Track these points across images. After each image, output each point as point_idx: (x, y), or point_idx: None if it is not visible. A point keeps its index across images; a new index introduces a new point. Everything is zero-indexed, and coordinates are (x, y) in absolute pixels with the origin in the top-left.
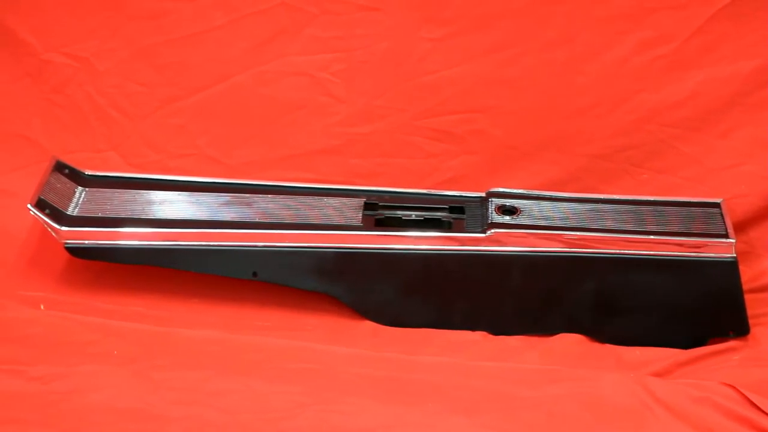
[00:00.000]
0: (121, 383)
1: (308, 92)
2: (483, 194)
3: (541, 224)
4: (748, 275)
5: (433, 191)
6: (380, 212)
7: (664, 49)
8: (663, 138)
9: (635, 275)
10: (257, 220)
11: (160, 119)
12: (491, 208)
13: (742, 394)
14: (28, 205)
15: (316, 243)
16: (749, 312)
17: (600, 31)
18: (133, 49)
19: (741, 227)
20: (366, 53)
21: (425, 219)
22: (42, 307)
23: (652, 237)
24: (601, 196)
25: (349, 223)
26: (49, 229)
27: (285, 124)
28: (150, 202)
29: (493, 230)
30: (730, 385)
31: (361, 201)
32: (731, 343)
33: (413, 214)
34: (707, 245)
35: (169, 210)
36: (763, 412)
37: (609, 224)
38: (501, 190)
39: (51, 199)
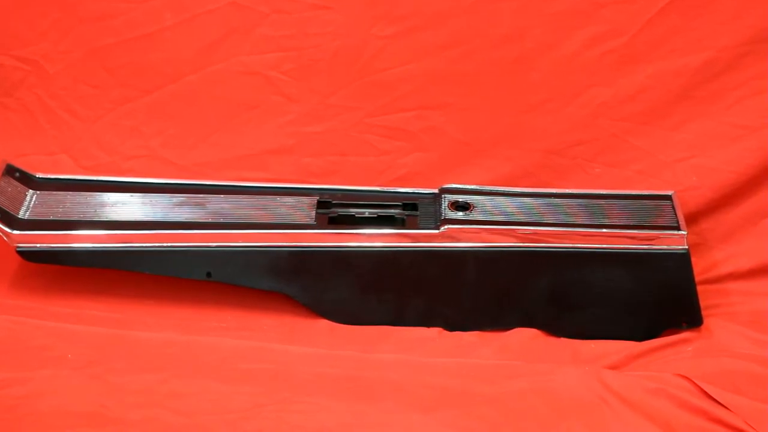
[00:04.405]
0: (78, 387)
1: (260, 92)
2: (436, 191)
3: (494, 219)
4: (700, 267)
5: (386, 188)
6: (334, 210)
7: (614, 44)
8: (615, 132)
9: (589, 269)
10: (211, 220)
11: (112, 121)
12: (444, 204)
13: (697, 385)
14: None
15: (270, 242)
16: (702, 303)
17: (551, 26)
18: (83, 51)
19: (693, 219)
20: (318, 52)
21: (379, 216)
22: None
23: (605, 230)
24: (555, 191)
25: (302, 221)
26: (1, 234)
27: (238, 124)
28: (103, 204)
29: (446, 226)
30: (684, 377)
31: (315, 199)
32: (685, 335)
33: (366, 212)
34: (659, 238)
35: (123, 212)
36: (718, 402)
37: (562, 219)
38: (454, 186)
39: (2, 202)
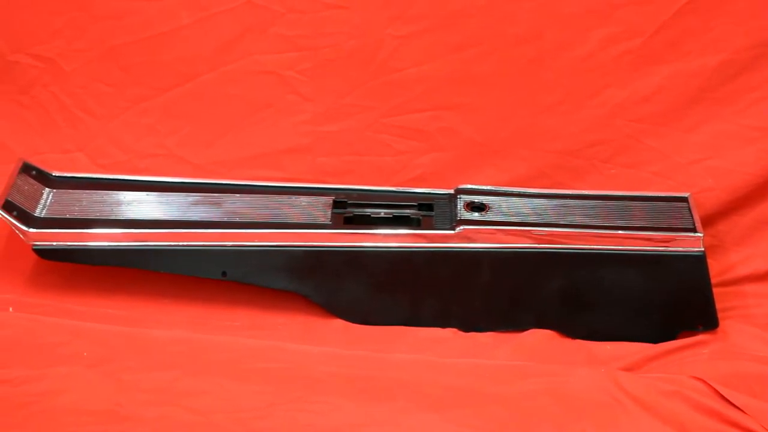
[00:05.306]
0: (92, 385)
1: (276, 91)
2: (452, 191)
3: (509, 220)
4: (716, 269)
5: (401, 189)
6: (349, 210)
7: (630, 45)
8: (630, 133)
9: (604, 270)
10: (226, 219)
11: (127, 119)
12: (460, 204)
13: (712, 388)
14: None
15: (286, 242)
16: (718, 306)
17: (567, 27)
18: (99, 49)
19: (709, 221)
20: (333, 51)
21: (394, 216)
22: (11, 309)
23: (620, 232)
24: (570, 192)
25: (318, 221)
26: (17, 231)
27: (253, 123)
28: (118, 203)
29: (462, 227)
30: (699, 379)
31: (330, 199)
32: (700, 337)
33: (382, 212)
34: (675, 239)
35: (138, 210)
36: (733, 405)
37: (577, 220)
38: (469, 186)
39: (18, 200)
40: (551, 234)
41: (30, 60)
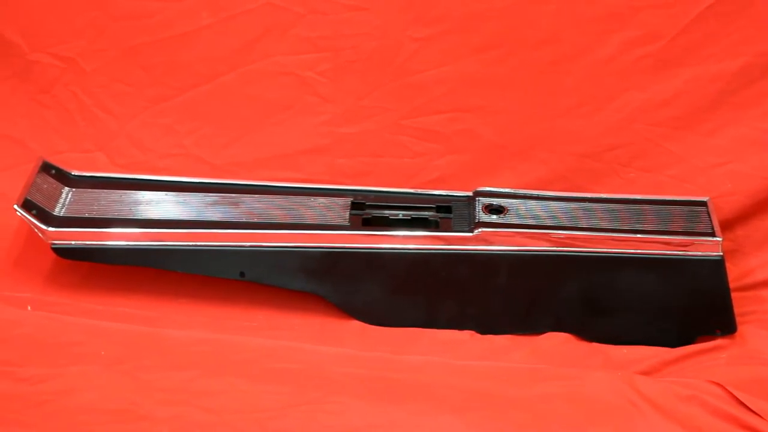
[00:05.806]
0: (109, 384)
1: (295, 92)
2: (470, 193)
3: (528, 223)
4: (734, 273)
5: (420, 190)
6: (367, 212)
7: (650, 48)
8: (650, 137)
9: (622, 274)
10: (244, 220)
11: (147, 119)
12: (478, 207)
13: (730, 393)
14: (15, 206)
15: (304, 243)
16: (736, 310)
17: (586, 30)
18: (119, 49)
19: (728, 225)
20: (353, 53)
21: (412, 218)
22: (29, 308)
23: (638, 236)
24: (589, 195)
25: (336, 222)
26: (36, 230)
27: (272, 123)
28: (137, 203)
29: (480, 229)
30: (717, 384)
31: (348, 200)
32: (718, 342)
33: (400, 214)
34: (694, 244)
35: (157, 210)
36: (751, 410)
37: (596, 223)
38: (488, 189)
39: (38, 199)
40: (569, 237)
41: (50, 59)
